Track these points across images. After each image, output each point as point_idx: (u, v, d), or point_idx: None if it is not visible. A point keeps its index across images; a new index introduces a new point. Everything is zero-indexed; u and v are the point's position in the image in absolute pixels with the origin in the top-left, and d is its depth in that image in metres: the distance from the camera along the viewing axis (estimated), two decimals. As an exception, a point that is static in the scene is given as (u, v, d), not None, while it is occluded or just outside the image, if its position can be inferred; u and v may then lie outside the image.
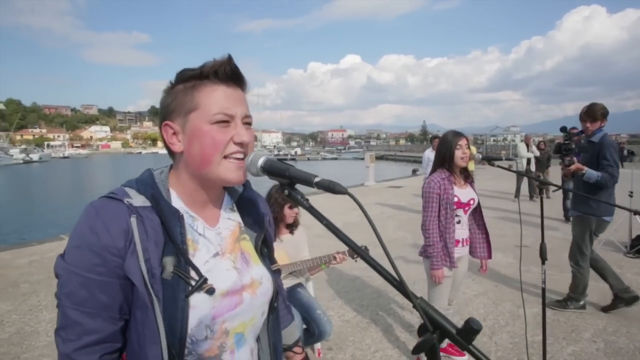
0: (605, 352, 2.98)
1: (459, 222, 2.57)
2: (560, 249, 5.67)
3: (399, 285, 0.62)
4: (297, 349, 1.18)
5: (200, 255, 0.83)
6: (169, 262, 0.76)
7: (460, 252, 2.62)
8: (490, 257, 2.77)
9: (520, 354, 2.95)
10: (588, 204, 3.48)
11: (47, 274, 4.81)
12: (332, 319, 3.37)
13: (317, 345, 2.95)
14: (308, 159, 67.29)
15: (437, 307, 2.54)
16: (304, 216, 0.81)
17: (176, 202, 0.85)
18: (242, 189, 0.97)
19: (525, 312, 3.46)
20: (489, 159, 2.49)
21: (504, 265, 5.05)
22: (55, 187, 27.54)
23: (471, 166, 8.64)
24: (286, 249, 2.66)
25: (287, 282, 2.76)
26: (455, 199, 2.50)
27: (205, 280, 0.78)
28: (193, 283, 0.77)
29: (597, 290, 3.97)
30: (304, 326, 2.62)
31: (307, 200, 0.74)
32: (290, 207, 2.59)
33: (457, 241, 2.57)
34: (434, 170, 2.60)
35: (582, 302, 3.68)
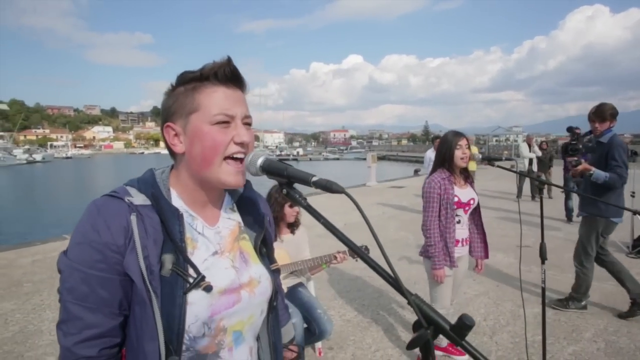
0: (606, 352, 2.98)
1: (459, 222, 2.58)
2: (561, 249, 5.67)
3: (394, 283, 0.63)
4: (292, 347, 1.19)
5: (199, 254, 0.84)
6: (168, 259, 0.78)
7: (460, 251, 2.63)
8: (487, 257, 2.78)
9: (520, 353, 2.96)
10: (596, 205, 3.44)
11: (50, 274, 4.85)
12: (333, 319, 3.39)
13: (318, 345, 2.96)
14: (310, 159, 67.31)
15: (440, 306, 2.57)
16: (305, 216, 0.83)
17: (176, 201, 0.86)
18: (243, 189, 0.99)
19: (526, 312, 3.46)
20: (489, 159, 2.50)
21: (505, 265, 5.05)
22: (58, 187, 27.67)
23: (473, 166, 8.65)
24: (287, 248, 2.68)
25: (288, 282, 2.77)
26: (456, 199, 2.51)
27: (203, 277, 0.80)
28: (191, 280, 0.79)
29: (599, 290, 3.97)
30: (305, 325, 2.63)
31: (305, 199, 0.76)
32: (291, 206, 2.61)
33: (457, 241, 2.58)
34: (434, 170, 2.61)
35: (583, 303, 3.67)
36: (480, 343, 3.13)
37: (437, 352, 2.96)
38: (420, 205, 2.64)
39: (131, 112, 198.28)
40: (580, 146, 3.85)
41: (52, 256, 5.58)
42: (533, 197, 10.03)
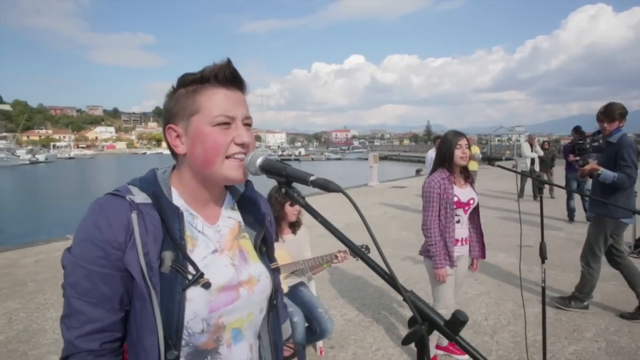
0: (607, 352, 2.98)
1: (458, 222, 2.59)
2: (563, 249, 5.66)
3: (390, 279, 0.65)
4: (289, 344, 1.21)
5: (199, 251, 0.86)
6: (168, 256, 0.80)
7: (460, 251, 2.63)
8: (483, 257, 2.78)
9: (521, 353, 2.96)
10: (606, 205, 3.38)
11: (53, 273, 4.88)
12: (334, 318, 3.40)
13: (319, 344, 2.98)
14: (312, 159, 67.33)
15: (443, 306, 2.58)
16: (307, 217, 0.84)
17: (177, 200, 0.88)
18: (244, 188, 1.00)
19: (527, 311, 3.47)
20: (489, 159, 2.50)
21: (506, 265, 5.05)
22: (61, 188, 27.79)
23: (474, 166, 8.64)
24: (288, 248, 2.69)
25: (290, 281, 2.79)
26: (455, 199, 2.52)
27: (202, 274, 0.81)
28: (190, 277, 0.80)
29: (601, 290, 3.96)
30: (306, 324, 2.65)
31: (304, 198, 0.77)
32: (292, 205, 2.63)
33: (457, 240, 2.58)
34: (434, 169, 2.62)
35: (585, 303, 3.65)
36: (481, 342, 3.14)
37: (439, 352, 2.97)
38: (421, 205, 2.65)
39: (133, 113, 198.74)
40: (588, 146, 3.79)
41: (55, 256, 5.62)
42: (535, 197, 10.02)
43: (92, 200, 0.83)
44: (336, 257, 2.60)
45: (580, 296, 3.65)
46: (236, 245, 0.93)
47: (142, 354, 0.79)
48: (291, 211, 2.66)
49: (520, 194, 10.08)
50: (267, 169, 0.80)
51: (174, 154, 0.90)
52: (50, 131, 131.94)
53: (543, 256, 2.27)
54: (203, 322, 0.82)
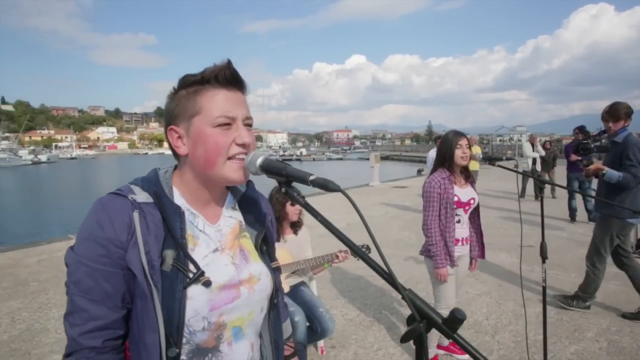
0: (608, 352, 2.98)
1: (459, 222, 2.59)
2: (564, 249, 5.66)
3: (388, 278, 0.65)
4: (289, 343, 1.22)
5: (200, 250, 0.87)
6: (169, 255, 0.81)
7: (461, 250, 2.64)
8: (483, 257, 2.78)
9: (522, 352, 2.96)
10: (611, 205, 3.34)
11: (55, 273, 4.90)
12: (335, 318, 3.40)
13: (320, 343, 2.99)
14: (313, 160, 67.36)
15: (444, 306, 2.59)
16: (308, 217, 0.84)
17: (178, 199, 0.89)
18: (245, 188, 1.01)
19: (529, 311, 3.47)
20: (489, 159, 2.51)
21: (508, 264, 5.05)
22: (63, 188, 27.87)
23: (475, 166, 8.63)
24: (290, 248, 2.70)
25: (291, 281, 2.80)
26: (455, 199, 2.52)
27: (203, 273, 0.82)
28: (191, 275, 0.81)
29: (603, 290, 3.94)
30: (307, 324, 2.65)
31: (304, 197, 0.78)
32: (292, 205, 2.64)
33: (457, 240, 2.59)
34: (434, 169, 2.62)
35: (588, 303, 3.64)
36: (482, 342, 3.14)
37: (440, 351, 2.98)
38: (422, 205, 2.65)
39: (135, 113, 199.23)
40: (592, 145, 3.76)
41: (57, 256, 5.64)
42: (536, 197, 10.00)
43: (94, 200, 0.84)
44: (337, 256, 2.61)
45: (583, 296, 3.64)
46: (237, 245, 0.94)
47: (144, 351, 0.80)
48: (292, 211, 2.67)
49: (522, 193, 10.07)
50: (267, 168, 0.81)
51: (175, 154, 0.91)
52: (52, 131, 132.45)
53: (544, 256, 2.27)
54: (204, 320, 0.83)
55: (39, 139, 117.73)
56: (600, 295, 3.87)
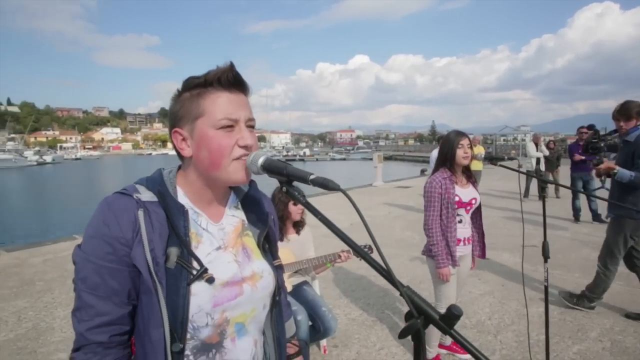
0: (612, 352, 2.97)
1: (460, 222, 2.59)
2: (568, 249, 5.64)
3: (387, 275, 0.67)
4: (294, 342, 1.23)
5: (203, 248, 0.89)
6: (173, 252, 0.83)
7: (462, 250, 2.64)
8: (484, 256, 2.79)
9: (525, 352, 2.96)
10: (623, 204, 3.25)
11: (60, 272, 4.95)
12: (338, 317, 3.42)
13: (323, 342, 3.00)
14: (317, 160, 67.34)
15: (445, 305, 2.59)
16: (310, 217, 0.85)
17: (182, 198, 0.91)
18: (248, 188, 1.03)
19: (532, 311, 3.47)
20: (491, 159, 2.51)
21: (511, 264, 5.04)
22: (68, 188, 28.05)
23: (479, 166, 8.61)
24: (292, 248, 2.72)
25: (294, 280, 2.81)
26: (457, 199, 2.53)
27: (206, 270, 0.84)
28: (195, 272, 0.83)
29: (607, 290, 3.94)
30: (310, 323, 2.67)
31: (304, 196, 0.80)
32: (295, 205, 2.65)
33: (459, 240, 2.59)
34: (436, 169, 2.63)
35: (594, 304, 3.61)
36: (485, 342, 3.15)
37: (442, 351, 2.98)
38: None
39: (139, 114, 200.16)
40: (602, 144, 3.71)
41: (62, 256, 5.70)
42: (540, 197, 9.95)
43: (98, 200, 0.87)
44: (339, 256, 2.63)
45: (590, 296, 3.60)
46: (239, 243, 0.96)
47: (149, 346, 0.82)
48: (295, 211, 2.68)
49: (526, 193, 10.03)
50: (269, 168, 0.83)
51: (180, 155, 0.93)
52: (57, 132, 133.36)
53: (545, 255, 2.27)
54: (207, 316, 0.85)
55: (44, 139, 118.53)
56: (605, 295, 3.86)
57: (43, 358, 3.04)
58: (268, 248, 1.02)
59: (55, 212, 16.87)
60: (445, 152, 2.56)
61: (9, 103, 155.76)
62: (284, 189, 0.81)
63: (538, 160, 9.58)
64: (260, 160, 0.84)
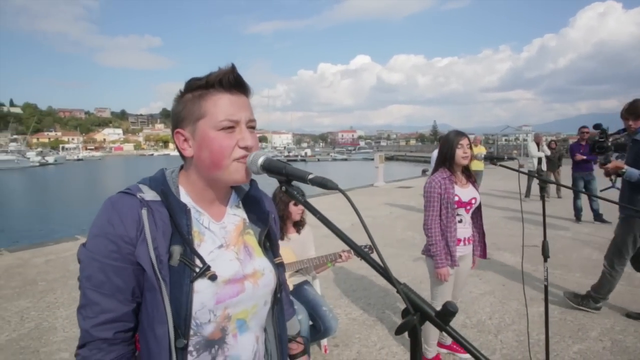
0: (612, 351, 2.97)
1: (460, 222, 2.60)
2: (569, 249, 5.64)
3: (383, 272, 0.68)
4: (298, 339, 1.25)
5: (206, 246, 0.91)
6: (176, 250, 0.85)
7: (462, 250, 2.65)
8: (484, 256, 2.79)
9: (525, 352, 2.96)
10: (635, 204, 3.24)
11: (63, 273, 4.98)
12: (339, 317, 3.43)
13: (324, 342, 3.01)
14: (318, 160, 67.36)
15: (440, 304, 2.59)
16: (311, 217, 0.87)
17: (184, 198, 0.93)
18: (249, 187, 1.05)
19: (533, 310, 3.48)
20: (491, 158, 2.52)
21: (512, 264, 5.04)
22: (70, 189, 28.14)
23: (480, 166, 8.61)
24: (293, 247, 2.74)
25: (294, 280, 2.83)
26: (456, 198, 2.53)
27: (208, 267, 0.86)
28: (197, 270, 0.85)
29: (612, 291, 3.94)
30: (310, 322, 2.68)
31: (304, 195, 0.81)
32: (295, 204, 2.67)
33: (459, 240, 2.60)
34: (435, 169, 2.64)
35: (599, 304, 3.58)
36: (485, 341, 3.15)
37: (442, 350, 2.99)
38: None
39: (141, 115, 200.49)
40: (609, 144, 3.70)
41: (64, 256, 5.72)
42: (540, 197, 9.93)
43: (100, 201, 0.89)
44: (340, 256, 2.64)
45: (595, 296, 3.58)
46: (241, 241, 0.98)
47: (154, 342, 0.84)
48: (295, 210, 2.70)
49: (527, 193, 10.03)
50: (268, 168, 0.85)
51: (182, 156, 0.94)
52: (59, 133, 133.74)
53: (545, 255, 2.28)
54: (210, 313, 0.87)
55: (46, 140, 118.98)
56: (606, 295, 3.86)
57: (45, 358, 3.06)
58: (269, 246, 1.04)
59: (57, 212, 16.93)
60: (444, 152, 2.57)
61: (12, 104, 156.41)
62: (284, 188, 0.82)
63: (540, 160, 9.57)
64: (260, 160, 0.85)
